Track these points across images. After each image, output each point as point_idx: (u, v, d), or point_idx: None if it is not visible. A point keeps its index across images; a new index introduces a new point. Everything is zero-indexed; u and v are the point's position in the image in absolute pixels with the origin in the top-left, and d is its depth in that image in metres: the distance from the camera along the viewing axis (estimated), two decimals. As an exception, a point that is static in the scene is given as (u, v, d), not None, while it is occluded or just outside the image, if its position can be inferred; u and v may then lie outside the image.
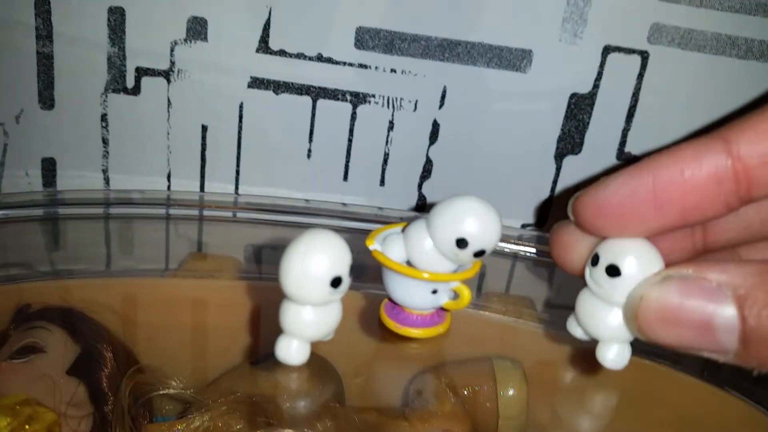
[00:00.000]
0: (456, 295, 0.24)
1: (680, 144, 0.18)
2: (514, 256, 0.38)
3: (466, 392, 0.32)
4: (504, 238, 0.38)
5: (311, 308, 0.22)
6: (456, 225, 0.22)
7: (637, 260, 0.19)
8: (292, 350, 0.22)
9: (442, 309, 0.25)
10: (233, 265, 0.37)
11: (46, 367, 0.29)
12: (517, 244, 0.38)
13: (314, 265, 0.21)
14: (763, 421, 0.32)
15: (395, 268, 0.23)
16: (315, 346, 0.23)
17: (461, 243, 0.22)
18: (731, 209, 0.18)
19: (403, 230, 0.24)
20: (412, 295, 0.24)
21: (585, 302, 0.21)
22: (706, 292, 0.16)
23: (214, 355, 0.35)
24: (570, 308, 0.35)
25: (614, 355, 0.20)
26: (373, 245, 0.24)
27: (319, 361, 0.32)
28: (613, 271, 0.19)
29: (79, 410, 0.29)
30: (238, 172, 0.39)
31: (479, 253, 0.22)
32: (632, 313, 0.18)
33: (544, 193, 0.39)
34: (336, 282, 0.21)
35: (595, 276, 0.20)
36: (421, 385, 0.33)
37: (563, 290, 0.37)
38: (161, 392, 0.31)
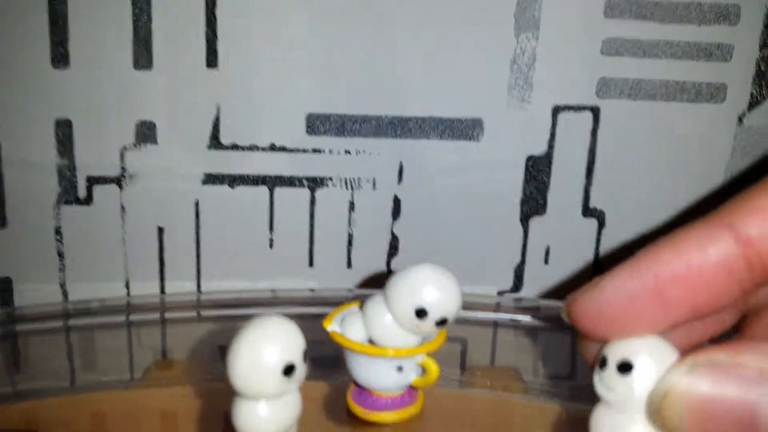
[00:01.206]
0: (423, 371, 0.23)
1: (677, 234, 0.16)
2: (495, 324, 0.36)
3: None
4: (483, 307, 0.37)
5: (265, 402, 0.20)
6: (413, 295, 0.21)
7: (650, 351, 0.16)
8: (251, 452, 0.21)
9: (412, 388, 0.24)
10: (200, 369, 0.35)
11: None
12: (497, 312, 0.36)
13: (264, 353, 0.19)
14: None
15: (356, 349, 0.22)
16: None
17: (421, 313, 0.21)
18: (747, 294, 0.16)
19: (360, 308, 0.23)
20: (378, 375, 0.23)
21: (600, 418, 0.18)
22: (746, 380, 0.14)
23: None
24: (559, 377, 0.33)
25: None
26: (331, 326, 0.23)
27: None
28: (624, 368, 0.17)
29: None
30: (198, 271, 0.38)
31: (441, 322, 0.21)
32: (656, 410, 0.15)
33: (516, 257, 0.39)
34: (288, 370, 0.20)
35: (606, 380, 0.17)
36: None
37: (550, 356, 0.36)
38: None
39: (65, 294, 0.37)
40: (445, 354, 0.33)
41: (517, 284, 0.39)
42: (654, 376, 0.16)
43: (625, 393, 0.16)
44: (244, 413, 0.20)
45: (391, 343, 0.22)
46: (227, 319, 0.36)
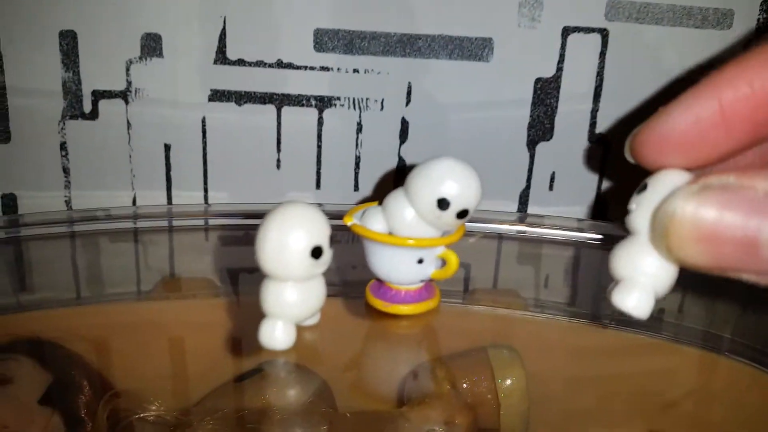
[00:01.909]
0: (443, 263, 0.23)
1: (744, 55, 0.16)
2: (500, 237, 0.37)
3: (465, 385, 0.31)
4: (489, 220, 0.37)
5: (293, 285, 0.20)
6: (435, 186, 0.21)
7: (671, 175, 0.16)
8: (276, 333, 0.21)
9: (429, 284, 0.24)
10: (207, 286, 0.35)
11: (16, 398, 0.27)
12: (502, 224, 0.37)
13: (292, 236, 0.20)
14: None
15: (378, 239, 0.22)
16: (300, 352, 0.21)
17: (442, 203, 0.21)
18: None
19: (380, 204, 0.23)
20: (398, 267, 0.23)
21: (620, 242, 0.18)
22: (752, 204, 0.14)
23: (195, 376, 0.33)
24: (559, 293, 0.34)
25: (635, 297, 0.17)
26: (352, 221, 0.23)
27: (306, 372, 0.31)
28: (642, 187, 0.17)
29: (54, 441, 0.27)
30: (206, 190, 0.37)
31: (462, 214, 0.22)
32: (663, 230, 0.15)
33: (521, 182, 0.39)
34: (316, 252, 0.20)
35: (632, 201, 0.17)
36: (418, 381, 0.31)
37: (552, 276, 0.37)
38: (141, 416, 0.29)
39: (70, 207, 0.37)
40: (451, 278, 0.34)
41: (522, 210, 0.39)
42: (662, 194, 0.16)
43: (635, 211, 0.17)
44: (273, 295, 0.20)
45: (411, 236, 0.22)
46: (235, 229, 0.36)
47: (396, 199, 0.22)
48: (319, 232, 0.20)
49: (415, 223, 0.22)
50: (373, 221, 0.23)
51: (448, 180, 0.21)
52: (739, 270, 0.14)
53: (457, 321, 0.33)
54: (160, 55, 0.35)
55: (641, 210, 0.17)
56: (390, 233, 0.23)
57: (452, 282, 0.33)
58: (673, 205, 0.15)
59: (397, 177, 0.38)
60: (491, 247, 0.37)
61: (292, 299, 0.20)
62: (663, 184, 0.16)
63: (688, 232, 0.15)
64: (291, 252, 0.20)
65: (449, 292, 0.32)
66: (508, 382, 0.31)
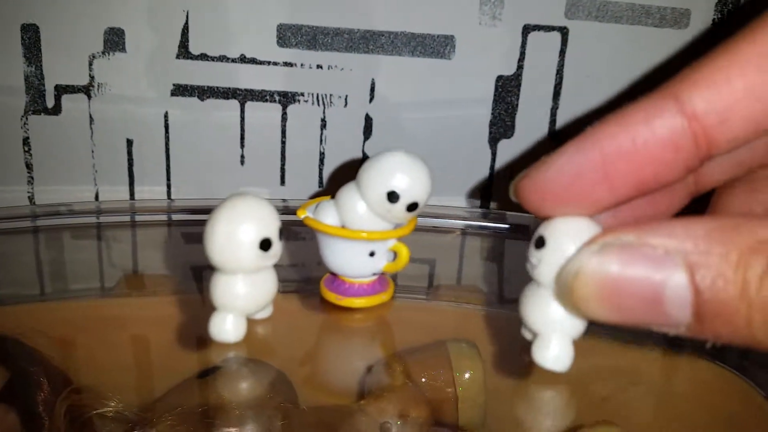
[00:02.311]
0: (395, 256, 0.23)
1: (626, 108, 0.15)
2: (463, 232, 0.37)
3: (423, 379, 0.31)
4: (452, 216, 0.38)
5: (243, 277, 0.21)
6: (385, 179, 0.22)
7: (566, 227, 0.17)
8: (226, 326, 0.21)
9: (383, 276, 0.24)
10: (169, 282, 0.36)
11: (-29, 394, 0.27)
12: (465, 220, 0.37)
13: (240, 227, 0.20)
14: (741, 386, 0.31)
15: (330, 232, 0.23)
16: (253, 345, 0.21)
17: (392, 196, 0.22)
18: (691, 171, 0.16)
19: (332, 197, 0.24)
20: (350, 261, 0.23)
21: (527, 293, 0.18)
22: (652, 260, 0.14)
23: (156, 373, 0.33)
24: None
25: (554, 351, 0.18)
26: (305, 214, 0.23)
27: (265, 368, 0.31)
28: (539, 242, 0.17)
29: (10, 436, 0.27)
30: (169, 186, 0.38)
31: (412, 207, 0.22)
32: (567, 289, 0.16)
33: (483, 179, 0.39)
34: (265, 244, 0.20)
35: (529, 255, 0.18)
36: (376, 376, 0.31)
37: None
38: (100, 411, 0.29)
39: (33, 203, 0.37)
40: (413, 274, 0.34)
41: (485, 205, 0.40)
42: (564, 251, 0.16)
43: (537, 267, 0.17)
44: (222, 287, 0.21)
45: (363, 229, 0.23)
46: (198, 225, 0.36)
47: (348, 192, 0.23)
48: (268, 224, 0.20)
49: (367, 216, 0.23)
50: (326, 214, 0.23)
51: (397, 173, 0.22)
52: (646, 324, 0.15)
53: (416, 315, 0.33)
54: (123, 50, 0.35)
55: (543, 265, 0.17)
56: (343, 226, 0.23)
57: (414, 277, 0.34)
58: (576, 265, 0.15)
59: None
60: (455, 244, 0.37)
61: (242, 292, 0.21)
62: (560, 238, 0.17)
63: (591, 290, 0.15)
64: (240, 244, 0.20)
65: (411, 288, 0.33)
66: (467, 375, 0.31)
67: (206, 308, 0.32)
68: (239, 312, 0.21)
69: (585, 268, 0.15)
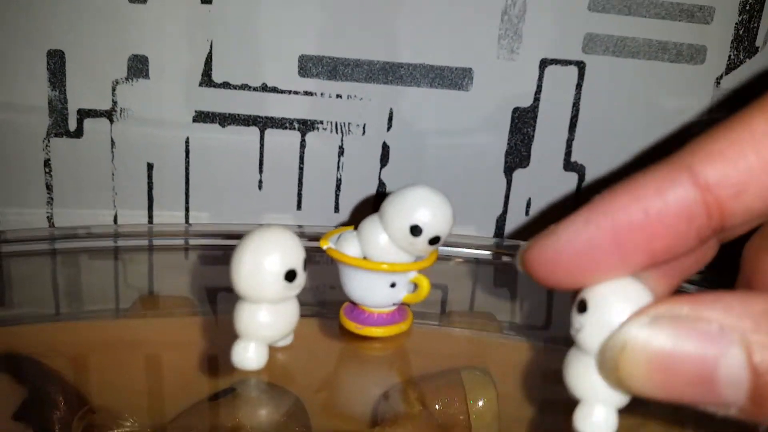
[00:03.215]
0: (415, 287, 0.24)
1: (637, 177, 0.15)
2: (476, 262, 0.37)
3: (437, 406, 0.31)
4: (465, 245, 0.38)
5: (267, 306, 0.21)
6: (409, 213, 0.22)
7: (608, 291, 0.16)
8: (249, 354, 0.21)
9: (402, 307, 0.25)
10: (185, 304, 0.36)
11: (-11, 413, 0.27)
12: (479, 249, 0.37)
13: (267, 259, 0.20)
14: None
15: (352, 263, 0.23)
16: (273, 372, 0.22)
17: (415, 230, 0.22)
18: (704, 242, 0.15)
19: (355, 230, 0.24)
20: (371, 291, 0.24)
21: (570, 358, 0.17)
22: (707, 337, 0.13)
23: (170, 394, 0.33)
24: (534, 318, 0.34)
25: (597, 420, 0.17)
26: (328, 245, 0.24)
27: (280, 392, 0.31)
28: (581, 306, 0.16)
29: (27, 457, 0.27)
30: (187, 209, 0.38)
31: (434, 240, 0.22)
32: (613, 363, 0.15)
33: (498, 208, 0.40)
34: (290, 275, 0.20)
35: (575, 321, 0.16)
36: (390, 402, 0.31)
37: (527, 298, 0.37)
38: (116, 431, 0.29)
39: (52, 224, 0.37)
40: (426, 301, 0.34)
41: (499, 234, 0.40)
42: (608, 316, 0.15)
43: (580, 332, 0.16)
44: (247, 316, 0.21)
45: (385, 260, 0.23)
46: (215, 249, 0.36)
47: (371, 224, 0.23)
48: (294, 255, 0.21)
49: (389, 248, 0.23)
50: (348, 246, 0.23)
51: (421, 208, 0.22)
52: (695, 402, 0.14)
53: (431, 343, 0.33)
54: (147, 76, 0.36)
55: (586, 331, 0.16)
56: (364, 258, 0.23)
57: (428, 304, 0.34)
58: (624, 337, 0.15)
59: (377, 200, 0.39)
60: (468, 272, 0.38)
61: (266, 321, 0.21)
62: (603, 303, 0.16)
63: (640, 366, 0.14)
64: (265, 275, 0.20)
65: (425, 314, 0.33)
66: (480, 403, 0.31)
67: (221, 331, 0.33)
68: (262, 340, 0.21)
69: (634, 341, 0.14)
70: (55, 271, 0.37)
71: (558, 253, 0.16)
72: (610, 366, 0.15)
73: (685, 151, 0.15)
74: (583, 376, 0.17)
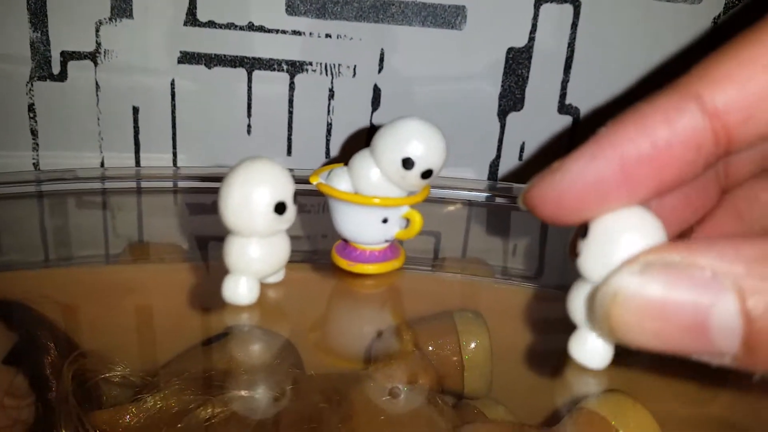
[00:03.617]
0: (407, 223, 0.23)
1: (642, 107, 0.15)
2: (469, 204, 0.37)
3: (430, 347, 0.31)
4: (458, 186, 0.38)
5: (257, 240, 0.21)
6: (400, 145, 0.22)
7: (611, 218, 0.15)
8: (240, 288, 0.21)
9: (394, 245, 0.24)
10: (175, 250, 0.35)
11: (-21, 356, 0.27)
12: (472, 191, 0.37)
13: (255, 191, 0.20)
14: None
15: (343, 198, 0.22)
16: (264, 310, 0.21)
17: (407, 163, 0.22)
18: (708, 168, 0.15)
19: (346, 165, 0.24)
20: (363, 227, 0.23)
21: (573, 288, 0.17)
22: (699, 284, 0.13)
23: (162, 339, 0.33)
24: (528, 262, 0.34)
25: (590, 347, 0.17)
26: (318, 180, 0.23)
27: (272, 335, 0.31)
28: (583, 232, 0.16)
29: (18, 400, 0.27)
30: (175, 155, 0.37)
31: (426, 174, 0.22)
32: (605, 312, 0.14)
33: (491, 152, 0.39)
34: (280, 208, 0.20)
35: (578, 245, 0.16)
36: (384, 342, 0.31)
37: (520, 241, 0.37)
38: (108, 375, 0.29)
39: (38, 169, 0.37)
40: (418, 247, 0.34)
41: (492, 179, 0.40)
42: (606, 241, 0.15)
43: (582, 256, 0.16)
44: (236, 250, 0.20)
45: (377, 195, 0.23)
46: (204, 192, 0.36)
47: (361, 159, 0.23)
48: (283, 187, 0.20)
49: (380, 183, 0.22)
50: (339, 181, 0.23)
51: (413, 140, 0.21)
52: (688, 351, 0.14)
53: (424, 285, 0.33)
54: (131, 16, 0.35)
55: (585, 257, 0.16)
56: (356, 193, 0.23)
57: (420, 249, 0.33)
58: (614, 286, 0.14)
59: (369, 143, 0.38)
60: (461, 215, 0.37)
61: (256, 255, 0.21)
62: (603, 231, 0.15)
63: (632, 314, 0.14)
64: (254, 207, 0.20)
65: (417, 259, 0.33)
66: (473, 345, 0.31)
67: (211, 276, 0.32)
68: (253, 275, 0.21)
69: (625, 290, 0.14)
70: (42, 216, 0.36)
71: (564, 191, 0.15)
72: (601, 316, 0.14)
73: (691, 75, 0.14)
74: (581, 302, 0.16)
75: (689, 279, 0.13)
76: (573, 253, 0.17)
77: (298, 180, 0.35)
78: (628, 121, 0.15)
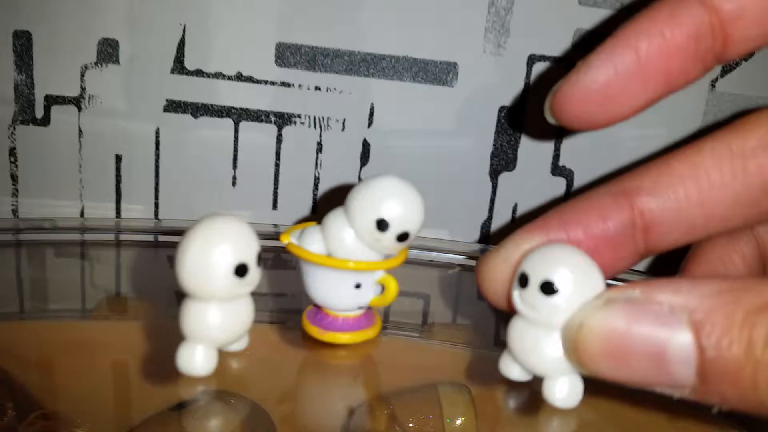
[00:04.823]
0: (382, 289, 0.22)
1: (653, 5, 0.17)
2: (462, 268, 0.36)
3: (411, 424, 0.29)
4: (448, 250, 0.37)
5: (216, 305, 0.19)
6: (375, 206, 0.20)
7: (572, 271, 0.16)
8: (196, 358, 0.20)
9: (369, 312, 0.23)
10: (152, 306, 0.34)
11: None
12: (462, 254, 0.36)
13: (215, 251, 0.18)
14: None
15: (314, 260, 0.21)
16: (227, 380, 0.20)
17: (382, 225, 0.20)
18: (707, 69, 0.17)
19: (319, 224, 0.22)
20: (335, 292, 0.22)
21: (520, 333, 0.18)
22: (658, 318, 0.14)
23: (131, 402, 0.31)
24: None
25: (565, 391, 0.18)
26: (288, 240, 0.22)
27: (246, 403, 0.29)
28: (547, 288, 0.17)
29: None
30: (157, 205, 0.36)
31: (402, 237, 0.21)
32: (572, 344, 0.16)
33: (483, 212, 0.38)
34: (241, 270, 0.19)
35: (528, 299, 0.17)
36: (359, 419, 0.30)
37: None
38: (66, 438, 0.27)
39: (17, 216, 0.36)
40: (407, 310, 0.32)
41: (484, 240, 0.38)
42: (576, 296, 0.16)
43: (547, 314, 0.17)
44: (194, 315, 0.19)
45: (350, 259, 0.21)
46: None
47: (335, 218, 0.21)
48: (246, 248, 0.19)
49: (355, 245, 0.21)
50: (311, 241, 0.22)
51: (388, 200, 0.20)
52: (650, 384, 0.15)
53: (406, 354, 0.31)
54: (117, 61, 0.34)
55: (561, 311, 0.17)
56: (329, 255, 0.22)
57: (407, 313, 0.32)
58: (580, 319, 0.15)
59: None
60: (452, 279, 0.36)
61: (214, 322, 0.19)
62: (574, 287, 0.17)
63: (596, 347, 0.15)
64: (213, 269, 0.18)
65: (402, 324, 0.31)
66: (458, 422, 0.30)
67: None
68: (210, 343, 0.20)
69: (589, 322, 0.15)
70: (19, 265, 0.35)
71: (590, 85, 0.17)
72: (569, 348, 0.16)
73: None
74: (545, 352, 0.17)
75: (648, 313, 0.14)
76: (509, 306, 0.18)
77: (278, 236, 0.34)
78: (641, 17, 0.17)
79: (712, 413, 0.14)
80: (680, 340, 0.14)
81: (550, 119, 0.19)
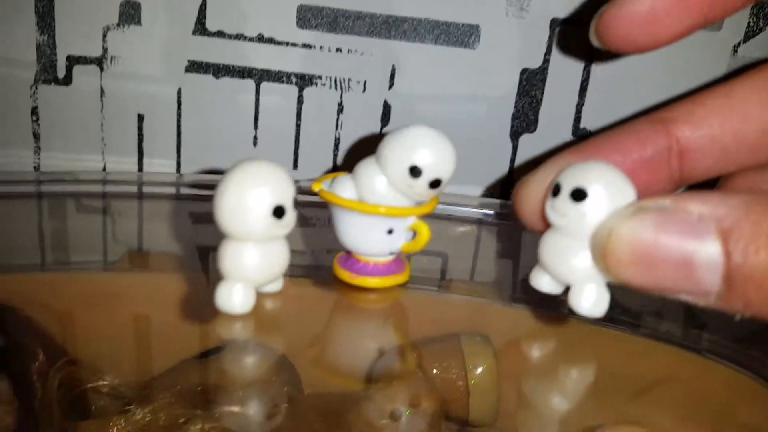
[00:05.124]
0: (413, 235, 0.22)
1: None
2: (479, 222, 0.36)
3: (435, 370, 0.30)
4: (467, 203, 0.37)
5: (253, 245, 0.20)
6: (408, 153, 0.21)
7: (604, 181, 0.17)
8: (233, 296, 0.20)
9: (399, 258, 0.23)
10: (175, 259, 0.34)
11: (-40, 361, 0.26)
12: (482, 208, 0.36)
13: (253, 193, 0.19)
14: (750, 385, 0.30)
15: (347, 205, 0.21)
16: (261, 321, 0.20)
17: (414, 171, 0.21)
18: (747, 2, 0.18)
19: (350, 172, 0.23)
20: (367, 237, 0.22)
21: (550, 243, 0.18)
22: (686, 226, 0.15)
23: (155, 351, 0.32)
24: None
25: (591, 300, 0.18)
26: (320, 187, 0.22)
27: (271, 352, 0.30)
28: (578, 195, 0.17)
29: (1, 405, 0.26)
30: (179, 164, 0.37)
31: (435, 183, 0.21)
32: (601, 250, 0.16)
33: (503, 172, 0.38)
34: (278, 212, 0.19)
35: (558, 207, 0.18)
36: (387, 362, 0.30)
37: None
38: (96, 385, 0.28)
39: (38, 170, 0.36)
40: (425, 267, 0.33)
41: (504, 199, 0.39)
42: (606, 205, 0.16)
43: (576, 219, 0.17)
44: (231, 255, 0.19)
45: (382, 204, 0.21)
46: (207, 201, 0.35)
47: (367, 166, 0.22)
48: (283, 190, 0.19)
49: (387, 192, 0.21)
50: (343, 189, 0.22)
51: (421, 147, 0.21)
52: (676, 291, 0.15)
53: (429, 305, 0.32)
54: (139, 22, 0.34)
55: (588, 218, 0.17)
56: (360, 201, 0.22)
57: (426, 269, 0.32)
58: (609, 226, 0.16)
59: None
60: (470, 236, 0.36)
61: (252, 262, 0.19)
62: (602, 194, 0.17)
63: (625, 254, 0.15)
64: (251, 210, 0.19)
65: (422, 279, 0.32)
66: (479, 370, 0.30)
67: (211, 287, 0.31)
68: (248, 282, 0.20)
69: (619, 229, 0.15)
70: (41, 218, 0.35)
71: (636, 8, 0.18)
72: (597, 254, 0.16)
73: None
74: (573, 260, 0.18)
75: (677, 221, 0.15)
76: (544, 225, 0.19)
77: (302, 192, 0.34)
78: None
79: (734, 320, 0.15)
80: (708, 247, 0.14)
81: (594, 42, 0.19)
